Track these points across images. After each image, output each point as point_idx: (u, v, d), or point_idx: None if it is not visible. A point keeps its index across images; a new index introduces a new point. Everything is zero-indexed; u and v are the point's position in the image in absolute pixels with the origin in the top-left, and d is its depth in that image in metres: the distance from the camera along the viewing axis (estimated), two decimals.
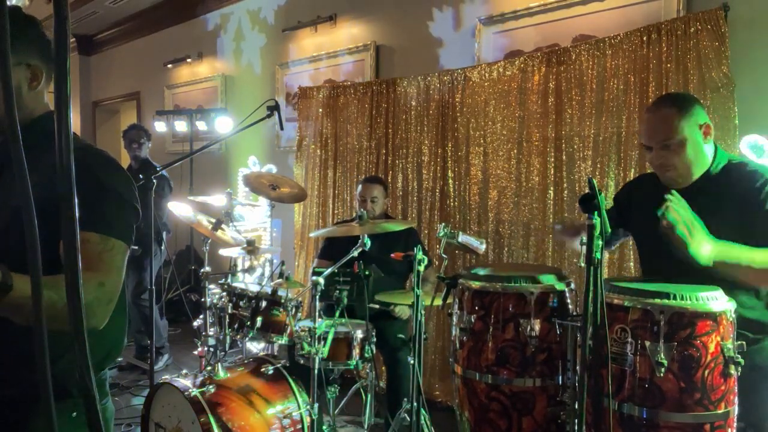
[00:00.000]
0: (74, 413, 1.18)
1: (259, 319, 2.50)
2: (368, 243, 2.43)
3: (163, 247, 4.21)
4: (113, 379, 4.02)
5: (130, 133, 4.38)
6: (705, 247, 1.54)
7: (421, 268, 2.25)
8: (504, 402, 1.78)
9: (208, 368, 2.51)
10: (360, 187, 3.34)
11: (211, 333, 2.62)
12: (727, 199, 1.71)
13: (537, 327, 1.75)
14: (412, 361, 2.28)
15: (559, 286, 1.84)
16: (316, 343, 2.37)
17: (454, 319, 1.95)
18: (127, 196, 1.21)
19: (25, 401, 1.17)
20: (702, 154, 1.76)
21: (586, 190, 1.45)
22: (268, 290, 2.53)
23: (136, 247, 3.89)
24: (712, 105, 2.58)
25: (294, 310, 2.54)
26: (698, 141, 1.75)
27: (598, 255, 1.41)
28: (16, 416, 1.18)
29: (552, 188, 3.18)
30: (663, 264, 1.77)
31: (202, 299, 2.68)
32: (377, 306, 2.76)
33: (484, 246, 2.30)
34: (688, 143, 1.74)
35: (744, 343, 1.51)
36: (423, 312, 2.25)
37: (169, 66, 6.52)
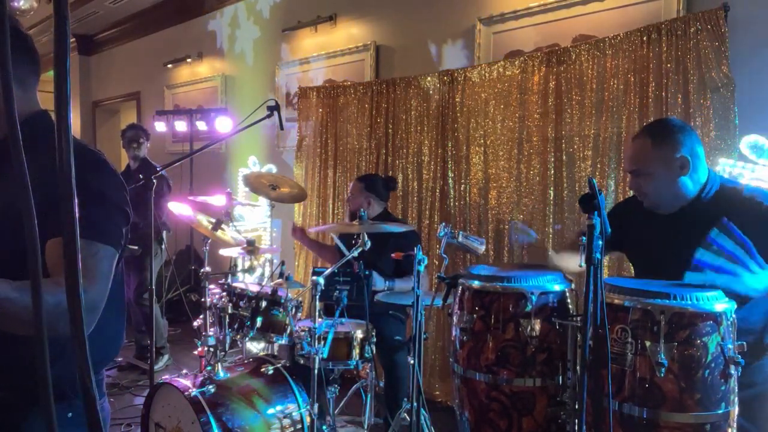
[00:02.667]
0: (70, 414, 1.18)
1: (259, 319, 2.49)
2: (368, 243, 2.42)
3: (163, 247, 4.21)
4: (113, 379, 4.02)
5: (128, 133, 4.38)
6: None
7: (422, 269, 2.25)
8: (504, 402, 1.78)
9: (208, 368, 2.51)
10: None
11: (211, 333, 2.62)
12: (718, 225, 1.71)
13: (537, 327, 1.75)
14: (412, 361, 2.28)
15: (560, 286, 1.84)
16: (316, 343, 2.37)
17: (455, 319, 1.95)
18: (115, 199, 1.17)
19: (20, 404, 1.17)
20: (677, 186, 1.79)
21: (586, 190, 1.44)
22: (268, 290, 2.53)
23: (136, 247, 3.89)
24: (712, 105, 2.58)
25: (294, 310, 2.54)
26: (671, 174, 1.78)
27: (598, 255, 1.41)
28: (11, 419, 1.18)
29: (552, 188, 3.17)
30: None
31: (202, 299, 2.68)
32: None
33: (484, 246, 2.30)
34: (658, 175, 1.79)
35: (744, 343, 1.51)
36: (423, 312, 2.26)
37: (169, 66, 6.52)
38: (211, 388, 2.34)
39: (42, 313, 0.50)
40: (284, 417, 2.43)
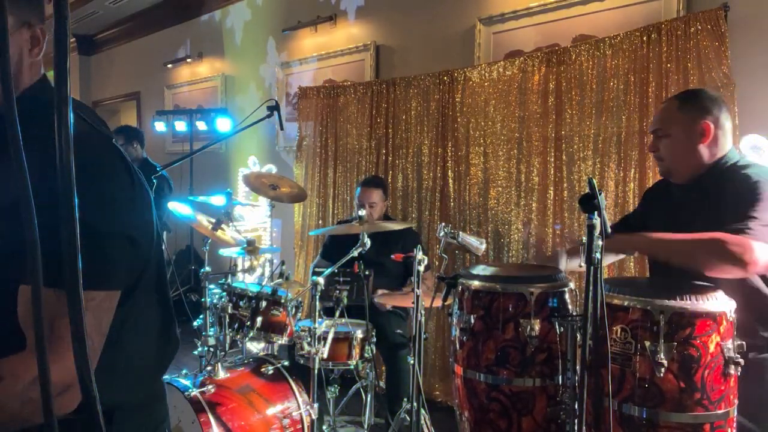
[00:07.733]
0: None
1: (259, 319, 2.49)
2: (368, 243, 2.42)
3: (163, 247, 4.20)
4: None
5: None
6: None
7: (421, 269, 2.25)
8: (504, 402, 1.78)
9: (208, 368, 2.51)
10: (359, 190, 3.33)
11: (211, 333, 2.62)
12: (716, 200, 1.70)
13: (537, 327, 1.75)
14: (412, 361, 2.28)
15: (559, 286, 1.84)
16: (316, 343, 2.37)
17: (454, 319, 1.95)
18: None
19: None
20: (694, 153, 1.76)
21: (586, 190, 1.44)
22: (268, 290, 2.53)
23: None
24: None
25: (294, 310, 2.54)
26: (690, 138, 1.76)
27: (598, 255, 1.41)
28: None
29: (552, 188, 3.17)
30: (672, 272, 1.76)
31: (202, 299, 2.68)
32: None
33: (484, 246, 2.30)
34: (677, 138, 1.78)
35: (744, 343, 1.50)
36: (423, 312, 2.25)
37: (169, 66, 6.52)
38: (211, 388, 2.34)
39: (42, 311, 0.49)
40: (284, 417, 2.43)
